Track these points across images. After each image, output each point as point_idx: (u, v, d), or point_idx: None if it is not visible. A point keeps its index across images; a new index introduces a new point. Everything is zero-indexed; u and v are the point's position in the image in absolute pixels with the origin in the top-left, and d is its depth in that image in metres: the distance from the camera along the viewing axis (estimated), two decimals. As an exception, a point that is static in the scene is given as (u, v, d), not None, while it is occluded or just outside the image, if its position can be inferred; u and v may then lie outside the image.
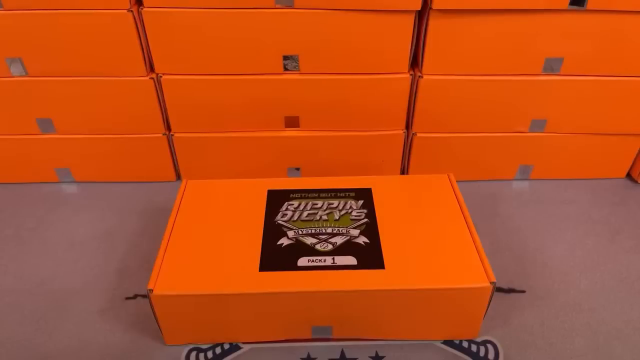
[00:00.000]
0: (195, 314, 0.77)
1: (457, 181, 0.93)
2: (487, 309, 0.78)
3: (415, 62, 0.99)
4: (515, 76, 0.99)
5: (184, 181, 0.93)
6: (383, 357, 0.80)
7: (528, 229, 1.03)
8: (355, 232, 0.83)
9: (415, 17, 0.92)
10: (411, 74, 0.99)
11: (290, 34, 0.94)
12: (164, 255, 0.79)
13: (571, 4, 0.89)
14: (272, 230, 0.83)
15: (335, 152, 1.09)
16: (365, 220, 0.85)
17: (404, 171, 1.14)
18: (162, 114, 1.04)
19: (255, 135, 1.07)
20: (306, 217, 0.86)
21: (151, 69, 0.99)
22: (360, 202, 0.89)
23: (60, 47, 0.94)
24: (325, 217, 0.86)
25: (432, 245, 0.81)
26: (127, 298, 0.89)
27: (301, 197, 0.90)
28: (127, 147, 1.08)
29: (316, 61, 0.97)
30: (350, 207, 0.88)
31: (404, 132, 1.07)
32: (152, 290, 0.74)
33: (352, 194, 0.90)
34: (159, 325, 0.79)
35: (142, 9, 0.91)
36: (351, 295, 0.76)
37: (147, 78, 0.99)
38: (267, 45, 0.95)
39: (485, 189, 1.12)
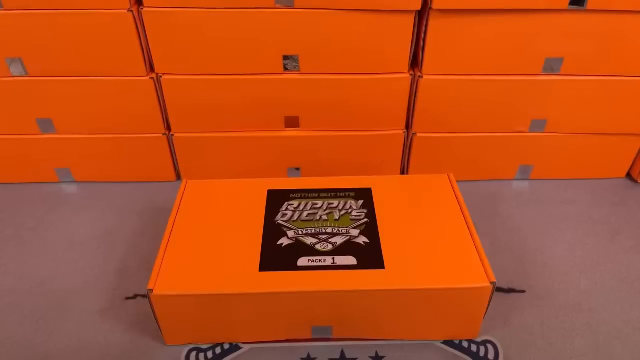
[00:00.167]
0: (195, 314, 0.77)
1: (457, 181, 0.93)
2: (487, 309, 0.78)
3: (415, 62, 0.99)
4: (515, 76, 0.99)
5: (184, 181, 0.93)
6: (383, 357, 0.80)
7: (528, 229, 1.03)
8: (355, 232, 0.83)
9: (415, 17, 0.92)
10: (411, 74, 0.99)
11: (290, 34, 0.94)
12: (164, 255, 0.79)
13: (571, 4, 0.89)
14: (272, 230, 0.83)
15: (335, 152, 1.09)
16: (365, 220, 0.85)
17: (404, 171, 1.14)
18: (162, 114, 1.04)
19: (255, 135, 1.07)
20: (306, 217, 0.86)
21: (151, 69, 0.99)
22: (360, 202, 0.89)
23: (60, 47, 0.95)
24: (325, 217, 0.86)
25: (432, 245, 0.81)
26: (127, 298, 0.89)
27: (301, 197, 0.90)
28: (127, 147, 1.08)
29: (316, 61, 0.97)
30: (350, 207, 0.88)
31: (404, 132, 1.07)
32: (152, 290, 0.74)
33: (352, 194, 0.90)
34: (159, 325, 0.79)
35: (142, 9, 0.91)
36: (351, 295, 0.76)
37: (147, 78, 0.99)
38: (267, 45, 0.95)
39: (485, 189, 1.12)
